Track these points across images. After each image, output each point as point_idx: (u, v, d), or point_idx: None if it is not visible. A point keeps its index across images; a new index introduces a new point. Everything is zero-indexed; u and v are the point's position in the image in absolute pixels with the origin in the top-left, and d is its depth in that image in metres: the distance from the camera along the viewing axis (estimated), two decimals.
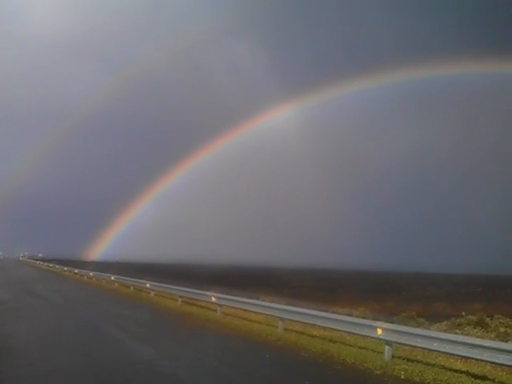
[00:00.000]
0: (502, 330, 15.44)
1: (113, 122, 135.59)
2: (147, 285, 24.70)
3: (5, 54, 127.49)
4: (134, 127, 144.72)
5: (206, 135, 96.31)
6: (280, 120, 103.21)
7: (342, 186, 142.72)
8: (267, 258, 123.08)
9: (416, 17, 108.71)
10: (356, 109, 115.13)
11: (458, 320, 17.45)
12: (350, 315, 14.79)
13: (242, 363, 9.68)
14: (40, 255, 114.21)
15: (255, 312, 15.10)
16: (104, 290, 29.16)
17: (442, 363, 9.53)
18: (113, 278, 31.75)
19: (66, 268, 51.60)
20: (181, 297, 20.08)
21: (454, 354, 9.00)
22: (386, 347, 9.82)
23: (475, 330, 14.90)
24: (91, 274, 38.85)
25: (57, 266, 58.38)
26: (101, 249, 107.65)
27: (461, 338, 8.93)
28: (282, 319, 13.24)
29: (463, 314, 18.40)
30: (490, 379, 8.54)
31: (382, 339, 10.00)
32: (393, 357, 9.77)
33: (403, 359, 9.71)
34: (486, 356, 8.04)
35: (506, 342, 12.13)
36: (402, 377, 8.48)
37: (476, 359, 8.61)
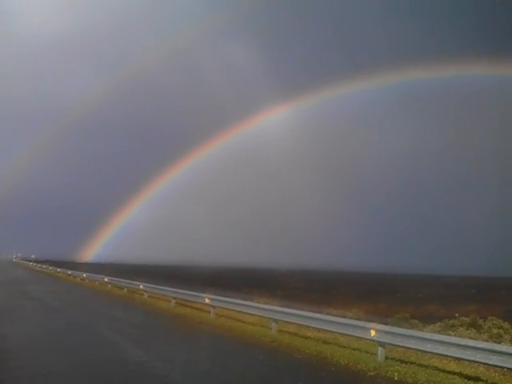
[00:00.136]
0: (494, 331, 15.48)
1: (107, 123, 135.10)
2: (141, 286, 24.60)
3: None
4: (127, 127, 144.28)
5: (200, 136, 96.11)
6: (275, 121, 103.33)
7: (337, 187, 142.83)
8: (262, 259, 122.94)
9: (412, 17, 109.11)
10: (351, 110, 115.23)
11: (451, 321, 17.48)
12: (344, 317, 14.79)
13: (235, 365, 9.66)
14: (33, 256, 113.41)
15: (249, 313, 15.07)
16: (97, 291, 29.05)
17: (436, 364, 9.53)
18: (106, 279, 31.61)
19: (59, 269, 51.32)
20: (174, 298, 20.01)
21: (447, 356, 9.02)
22: (380, 349, 9.82)
23: (468, 332, 14.93)
24: (84, 275, 38.67)
25: (50, 268, 58.05)
26: (94, 250, 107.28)
27: (454, 340, 8.95)
28: (275, 321, 13.22)
29: (456, 315, 18.40)
30: (482, 380, 8.55)
31: (375, 341, 10.00)
32: (386, 358, 9.77)
33: (396, 361, 9.71)
34: (479, 357, 8.05)
35: (499, 343, 12.17)
36: (396, 378, 8.48)
37: (469, 360, 8.63)
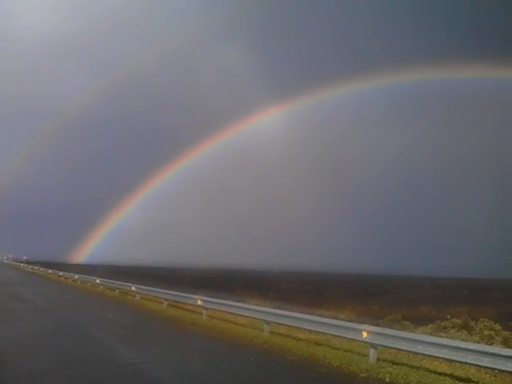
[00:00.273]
0: (486, 332, 15.54)
1: (99, 123, 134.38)
2: (133, 288, 24.48)
3: None
4: (121, 128, 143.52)
5: (194, 136, 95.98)
6: (270, 122, 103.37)
7: (332, 188, 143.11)
8: (256, 261, 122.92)
9: (406, 19, 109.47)
10: (346, 111, 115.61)
11: (443, 323, 17.52)
12: (336, 318, 14.81)
13: (227, 366, 9.64)
14: (24, 258, 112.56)
15: (241, 315, 15.04)
16: (89, 292, 28.90)
17: (427, 366, 9.55)
18: (98, 280, 31.44)
19: (50, 271, 51.04)
20: (166, 300, 19.93)
21: (438, 357, 9.05)
22: (371, 350, 9.83)
23: (460, 333, 14.97)
24: (76, 276, 38.46)
25: (41, 269, 57.66)
26: (86, 251, 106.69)
27: (445, 341, 8.99)
28: (267, 322, 13.21)
29: (448, 317, 18.46)
30: (473, 382, 8.59)
31: (367, 342, 10.01)
32: (378, 360, 9.78)
33: (388, 362, 9.72)
34: (470, 359, 8.07)
35: (491, 345, 12.23)
36: (387, 380, 8.48)
37: (460, 362, 8.65)
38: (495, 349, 8.39)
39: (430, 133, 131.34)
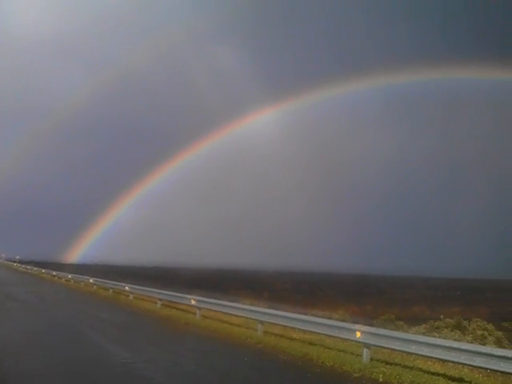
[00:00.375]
0: (479, 332, 15.62)
1: (93, 123, 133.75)
2: (126, 288, 24.38)
3: None
4: (115, 128, 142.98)
5: (189, 136, 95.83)
6: (265, 122, 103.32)
7: (326, 189, 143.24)
8: (250, 261, 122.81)
9: (402, 20, 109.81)
10: (341, 111, 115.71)
11: (436, 323, 17.60)
12: (330, 318, 14.81)
13: (221, 366, 9.62)
14: (17, 257, 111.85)
15: (235, 315, 15.02)
16: (82, 292, 28.77)
17: (420, 366, 9.58)
18: (91, 280, 31.30)
19: (44, 270, 50.73)
20: (160, 300, 19.87)
21: (431, 357, 9.07)
22: (365, 350, 9.84)
23: (453, 333, 15.03)
24: (69, 276, 38.24)
25: (35, 269, 57.31)
26: (80, 251, 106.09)
27: (439, 341, 9.01)
28: (261, 322, 13.19)
29: (441, 317, 18.54)
30: (466, 382, 8.62)
31: (360, 342, 10.02)
32: (371, 360, 9.79)
33: (382, 362, 9.74)
34: (463, 359, 8.10)
35: (484, 344, 12.28)
36: (381, 380, 8.50)
37: (453, 362, 8.68)
38: (488, 349, 8.42)
39: (425, 133, 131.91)
